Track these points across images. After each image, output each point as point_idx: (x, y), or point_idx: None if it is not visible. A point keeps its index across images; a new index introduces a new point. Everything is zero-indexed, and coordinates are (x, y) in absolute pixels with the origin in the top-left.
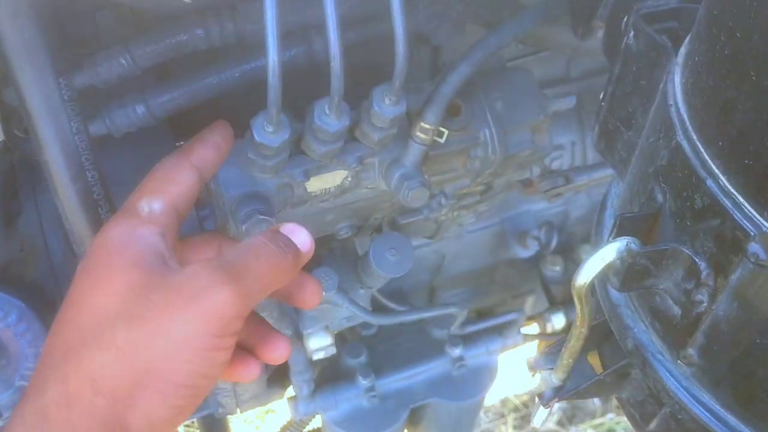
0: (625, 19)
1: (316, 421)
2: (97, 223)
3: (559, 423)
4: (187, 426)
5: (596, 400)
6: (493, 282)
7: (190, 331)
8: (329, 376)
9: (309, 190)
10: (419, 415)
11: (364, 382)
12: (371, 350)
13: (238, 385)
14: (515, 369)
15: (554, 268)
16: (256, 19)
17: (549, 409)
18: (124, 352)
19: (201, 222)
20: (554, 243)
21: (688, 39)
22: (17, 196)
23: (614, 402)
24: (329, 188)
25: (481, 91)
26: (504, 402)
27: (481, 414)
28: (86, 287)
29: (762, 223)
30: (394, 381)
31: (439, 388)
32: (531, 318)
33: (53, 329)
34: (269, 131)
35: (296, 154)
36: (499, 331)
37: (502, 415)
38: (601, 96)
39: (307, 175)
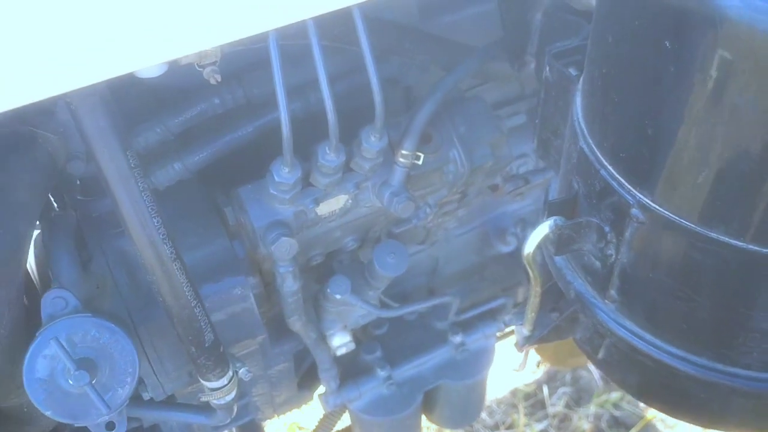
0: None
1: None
2: (164, 257)
3: (567, 406)
4: None
5: (598, 379)
6: (484, 279)
7: None
8: (351, 372)
9: (319, 213)
10: (433, 397)
11: (382, 373)
12: (384, 346)
13: (274, 390)
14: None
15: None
16: (260, 84)
17: (524, 353)
18: None
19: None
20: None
21: (582, 74)
22: (86, 246)
23: None
24: (335, 210)
25: (447, 120)
26: (514, 392)
27: (493, 405)
28: None
29: (637, 195)
30: (408, 370)
31: (447, 371)
32: (517, 305)
33: None
34: (285, 172)
35: (306, 186)
36: (493, 316)
37: (513, 405)
38: (534, 114)
39: (317, 202)
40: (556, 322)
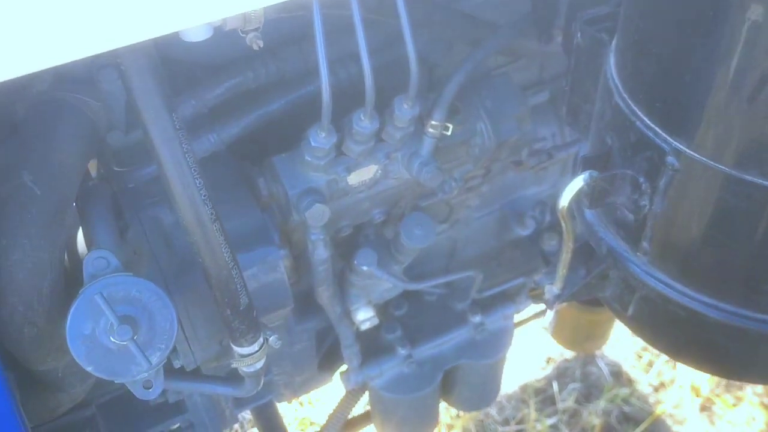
0: (574, 25)
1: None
2: (204, 217)
3: (577, 401)
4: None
5: (608, 375)
6: (501, 264)
7: None
8: (372, 352)
9: (350, 183)
10: (451, 379)
11: (402, 352)
12: (404, 326)
13: (295, 369)
14: (531, 356)
15: (551, 243)
16: (294, 59)
17: (554, 311)
18: None
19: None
20: (548, 219)
21: (616, 33)
22: (122, 215)
23: (625, 376)
24: (365, 180)
25: (474, 94)
26: (524, 388)
27: (504, 401)
28: None
29: (672, 142)
30: (428, 349)
31: (466, 351)
32: (534, 289)
33: None
34: (322, 137)
35: (339, 155)
36: (511, 298)
37: (524, 400)
38: (564, 83)
39: (348, 171)
40: (587, 279)
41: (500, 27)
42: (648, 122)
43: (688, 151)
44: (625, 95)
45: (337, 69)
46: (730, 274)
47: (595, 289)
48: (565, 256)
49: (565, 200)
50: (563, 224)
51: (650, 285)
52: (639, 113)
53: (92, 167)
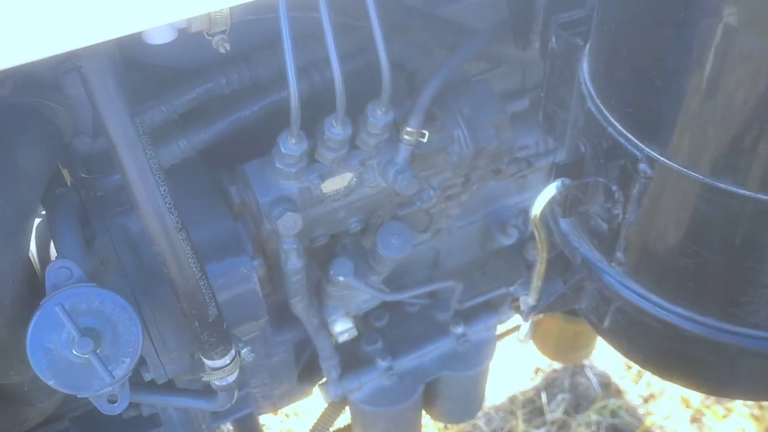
0: (549, 29)
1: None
2: (169, 226)
3: (565, 412)
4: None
5: (597, 386)
6: (485, 274)
7: None
8: (352, 364)
9: (324, 191)
10: (433, 391)
11: (383, 364)
12: (385, 338)
13: (274, 381)
14: (519, 366)
15: (535, 252)
16: (266, 63)
17: (529, 323)
18: None
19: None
20: (531, 229)
21: (590, 37)
22: (90, 224)
23: (614, 387)
24: (339, 189)
25: (451, 100)
26: (512, 399)
27: (492, 412)
28: None
29: (645, 150)
30: (409, 360)
31: (448, 362)
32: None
33: None
34: (292, 143)
35: (311, 163)
36: (494, 308)
37: (512, 412)
38: (540, 89)
39: (322, 178)
40: (562, 290)
41: (478, 32)
42: (620, 129)
43: (661, 158)
44: (597, 101)
45: (311, 73)
46: (708, 285)
47: (571, 301)
48: (540, 267)
49: (537, 208)
50: (536, 234)
51: (625, 297)
52: (611, 119)
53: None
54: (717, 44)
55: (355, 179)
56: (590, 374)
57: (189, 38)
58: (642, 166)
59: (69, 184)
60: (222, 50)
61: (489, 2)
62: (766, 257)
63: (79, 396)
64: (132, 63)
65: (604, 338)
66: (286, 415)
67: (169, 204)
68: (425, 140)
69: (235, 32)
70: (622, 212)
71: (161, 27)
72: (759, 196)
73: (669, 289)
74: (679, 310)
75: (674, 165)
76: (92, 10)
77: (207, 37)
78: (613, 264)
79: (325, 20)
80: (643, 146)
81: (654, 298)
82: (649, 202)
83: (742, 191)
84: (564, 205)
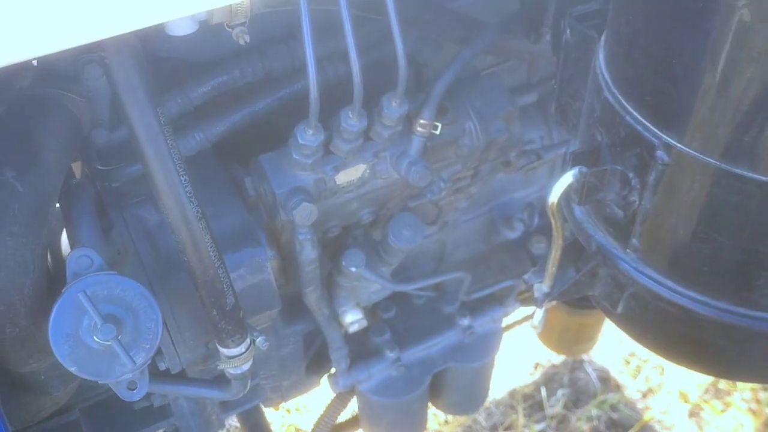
0: (562, 22)
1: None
2: (189, 215)
3: (565, 407)
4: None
5: (596, 381)
6: (489, 268)
7: None
8: (360, 355)
9: (338, 182)
10: (440, 382)
11: (391, 355)
12: (393, 329)
13: (283, 372)
14: (519, 361)
15: (539, 246)
16: (281, 57)
17: (543, 310)
18: None
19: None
20: (536, 222)
21: (605, 29)
22: (106, 214)
23: (613, 382)
24: (353, 180)
25: (463, 94)
26: (512, 393)
27: (492, 407)
28: None
29: (662, 137)
30: (417, 352)
31: (455, 354)
32: (523, 292)
33: None
34: (309, 134)
35: (327, 154)
36: (500, 301)
37: (512, 406)
38: (553, 82)
39: (336, 170)
40: (576, 277)
41: (489, 26)
42: (638, 116)
43: (678, 145)
44: (614, 90)
45: (325, 67)
46: (721, 270)
47: (585, 288)
48: (555, 254)
49: (554, 196)
50: (552, 221)
51: (640, 282)
52: (629, 108)
53: (76, 168)
54: (732, 34)
55: (368, 171)
56: (589, 369)
57: (204, 31)
58: (659, 153)
59: (77, 177)
60: (242, 42)
61: None
62: None
63: (99, 382)
64: (148, 56)
65: (617, 324)
66: (288, 411)
67: (190, 193)
68: (438, 132)
69: (249, 25)
70: (639, 199)
71: (183, 19)
72: None
73: (683, 273)
74: (693, 294)
75: (690, 151)
76: (116, 2)
77: (227, 28)
78: (628, 250)
79: (344, 13)
80: (660, 133)
81: (668, 282)
82: (665, 188)
83: (756, 176)
84: (581, 192)
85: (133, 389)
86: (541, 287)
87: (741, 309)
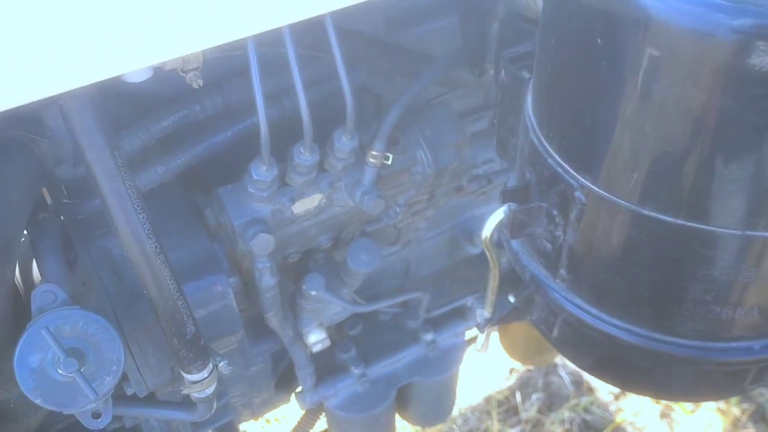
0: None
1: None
2: (148, 251)
3: (539, 411)
4: None
5: (569, 384)
6: (454, 281)
7: None
8: (327, 372)
9: (295, 212)
10: (406, 396)
11: (356, 371)
12: (359, 346)
13: (252, 390)
14: (494, 367)
15: (502, 260)
16: (238, 91)
17: (485, 334)
18: None
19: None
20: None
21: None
22: (72, 247)
23: (586, 385)
24: (310, 209)
25: (414, 124)
26: (488, 399)
27: (468, 413)
28: None
29: (580, 179)
30: (382, 367)
31: (419, 368)
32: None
33: None
34: (263, 170)
35: (282, 186)
36: (462, 315)
37: (487, 412)
38: (493, 117)
39: (293, 201)
40: (514, 303)
41: (436, 60)
42: (559, 160)
43: (593, 187)
44: (539, 133)
45: (282, 99)
46: (640, 300)
47: (523, 313)
48: (493, 283)
49: (487, 231)
50: (487, 253)
51: (569, 310)
52: (551, 150)
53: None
54: (638, 89)
55: (324, 200)
56: (563, 373)
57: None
58: (578, 193)
59: (49, 204)
60: (195, 86)
61: (448, 27)
62: (688, 275)
63: (64, 413)
64: (109, 90)
65: (554, 346)
66: (267, 421)
67: (148, 230)
68: (389, 162)
69: (207, 62)
70: (563, 234)
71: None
72: (678, 221)
73: (606, 302)
74: (616, 321)
75: (605, 194)
76: (73, 58)
77: (181, 73)
78: (557, 280)
79: (290, 53)
80: (577, 176)
81: (593, 311)
82: (585, 225)
83: (663, 217)
84: (512, 227)
85: (98, 418)
86: (483, 312)
87: (660, 335)
